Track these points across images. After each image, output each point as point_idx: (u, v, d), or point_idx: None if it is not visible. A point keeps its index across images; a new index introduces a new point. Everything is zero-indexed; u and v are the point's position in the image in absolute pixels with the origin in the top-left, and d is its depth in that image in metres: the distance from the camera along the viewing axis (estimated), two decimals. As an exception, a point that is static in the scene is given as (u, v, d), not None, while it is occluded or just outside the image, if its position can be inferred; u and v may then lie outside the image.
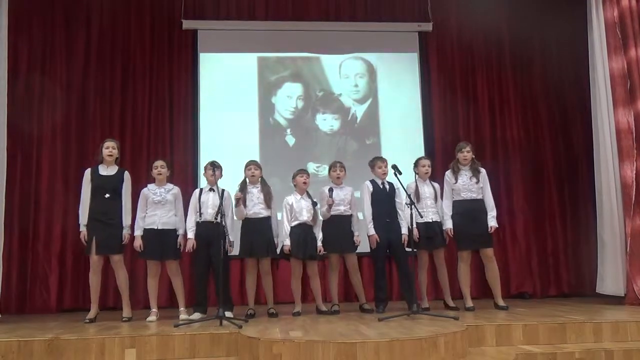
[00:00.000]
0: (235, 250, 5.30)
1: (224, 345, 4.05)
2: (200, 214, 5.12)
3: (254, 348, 3.70)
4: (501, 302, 5.37)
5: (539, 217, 7.05)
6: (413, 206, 4.87)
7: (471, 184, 5.38)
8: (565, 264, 6.99)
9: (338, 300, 5.50)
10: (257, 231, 5.20)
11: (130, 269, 5.31)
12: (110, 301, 6.10)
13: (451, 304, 5.50)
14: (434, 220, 5.43)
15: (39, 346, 3.90)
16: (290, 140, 7.02)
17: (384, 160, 5.48)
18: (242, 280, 6.30)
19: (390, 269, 6.34)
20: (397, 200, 5.42)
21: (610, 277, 5.67)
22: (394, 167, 5.13)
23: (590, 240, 6.26)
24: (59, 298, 6.18)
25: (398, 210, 5.39)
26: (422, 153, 6.91)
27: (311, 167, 6.45)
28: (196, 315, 4.96)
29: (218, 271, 4.83)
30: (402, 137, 7.06)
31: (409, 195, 5.00)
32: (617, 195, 5.70)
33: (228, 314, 4.82)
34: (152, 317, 4.98)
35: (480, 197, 5.40)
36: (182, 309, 5.11)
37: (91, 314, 4.99)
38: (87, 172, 5.14)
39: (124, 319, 4.95)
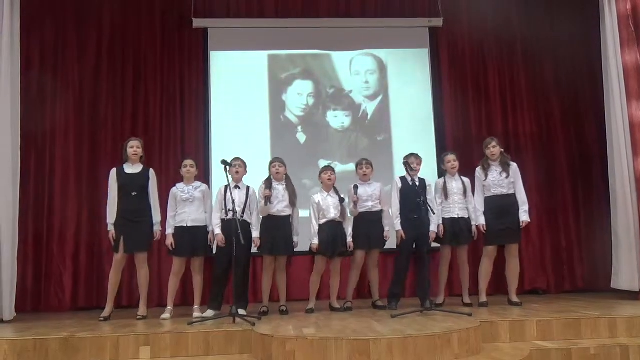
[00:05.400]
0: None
1: (237, 342, 4.07)
2: (227, 212, 5.09)
3: (268, 345, 3.72)
4: (515, 298, 5.35)
5: (553, 212, 6.99)
6: (424, 202, 4.86)
7: (501, 179, 5.33)
8: (580, 259, 6.92)
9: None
10: (279, 229, 5.20)
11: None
12: (124, 299, 6.13)
13: (467, 300, 5.47)
14: (460, 216, 5.40)
15: (55, 344, 3.94)
16: (301, 137, 7.01)
17: (417, 157, 5.48)
18: (254, 278, 6.32)
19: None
20: (427, 197, 5.32)
21: (625, 272, 5.63)
22: (405, 164, 5.17)
23: (605, 235, 6.18)
24: (74, 296, 6.24)
25: (429, 206, 5.25)
26: (433, 149, 6.91)
27: (322, 164, 6.41)
28: (209, 313, 4.98)
29: (238, 269, 4.83)
30: (413, 134, 7.02)
31: (419, 193, 4.98)
32: (632, 189, 5.64)
33: (241, 311, 4.82)
34: (167, 315, 4.99)
35: (511, 192, 5.34)
36: (196, 306, 5.13)
37: (106, 312, 5.03)
38: (113, 172, 5.17)
39: (138, 317, 4.97)
